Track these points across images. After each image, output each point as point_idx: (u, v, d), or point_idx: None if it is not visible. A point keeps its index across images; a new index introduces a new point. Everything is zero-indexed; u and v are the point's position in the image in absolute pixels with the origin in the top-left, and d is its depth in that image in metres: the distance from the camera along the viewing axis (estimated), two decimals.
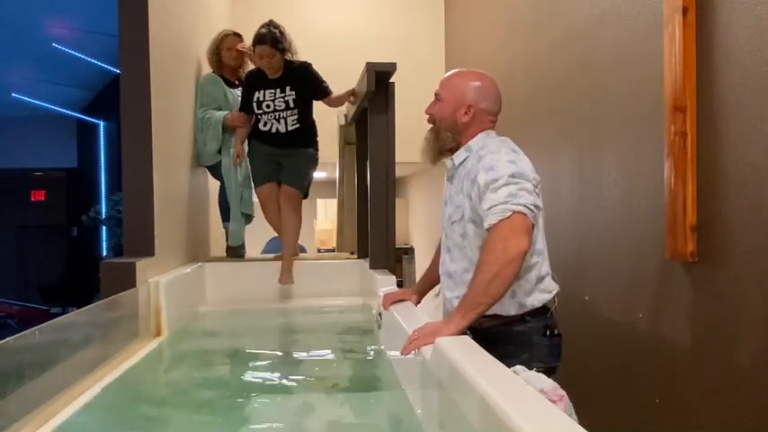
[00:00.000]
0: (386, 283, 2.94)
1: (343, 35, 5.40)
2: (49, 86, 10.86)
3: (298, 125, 3.42)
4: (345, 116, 4.50)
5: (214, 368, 2.47)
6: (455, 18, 5.29)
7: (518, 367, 1.52)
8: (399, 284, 2.96)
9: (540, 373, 1.51)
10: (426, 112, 1.99)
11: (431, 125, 1.98)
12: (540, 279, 1.84)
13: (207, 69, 3.79)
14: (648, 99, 2.21)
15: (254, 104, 3.40)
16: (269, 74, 3.37)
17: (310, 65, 3.46)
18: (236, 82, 3.74)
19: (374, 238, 3.31)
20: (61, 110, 12.03)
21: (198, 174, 3.69)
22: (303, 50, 5.43)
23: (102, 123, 12.22)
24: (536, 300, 1.83)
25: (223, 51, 3.67)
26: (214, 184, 3.84)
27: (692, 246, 1.92)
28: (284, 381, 2.20)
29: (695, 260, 1.93)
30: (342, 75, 4.52)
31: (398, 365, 2.03)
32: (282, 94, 3.37)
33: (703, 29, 1.90)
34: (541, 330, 1.83)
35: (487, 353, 1.43)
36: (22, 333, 1.59)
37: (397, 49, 5.08)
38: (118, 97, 2.70)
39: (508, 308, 1.81)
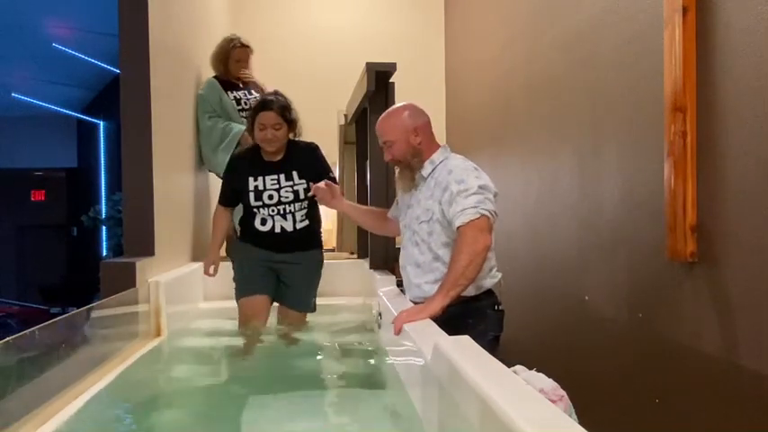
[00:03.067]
0: (386, 283, 2.95)
1: (344, 35, 5.41)
2: (49, 86, 10.85)
3: (306, 222, 2.74)
4: (345, 116, 4.51)
5: (214, 367, 2.47)
6: (455, 18, 5.29)
7: (518, 367, 1.52)
8: (399, 284, 2.96)
9: (541, 374, 1.51)
10: (387, 160, 2.33)
11: (396, 165, 2.35)
12: (491, 269, 2.25)
13: (207, 70, 3.80)
14: (648, 99, 2.21)
15: (251, 195, 2.67)
16: (267, 153, 2.67)
17: (318, 147, 2.81)
18: (240, 84, 3.75)
19: (374, 238, 3.32)
20: (61, 110, 12.02)
21: (198, 174, 3.69)
22: (304, 51, 5.47)
23: (102, 123, 12.21)
24: (488, 283, 2.23)
25: (231, 62, 3.66)
26: (215, 185, 3.84)
27: (691, 246, 1.92)
28: (284, 380, 2.20)
29: (695, 260, 1.93)
30: (342, 75, 4.53)
31: (399, 365, 2.04)
32: (290, 182, 2.66)
33: (703, 29, 1.90)
34: (491, 306, 2.22)
35: (487, 353, 1.44)
36: (22, 333, 1.59)
37: (397, 49, 5.09)
38: (118, 97, 2.71)
39: (469, 289, 2.14)
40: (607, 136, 2.58)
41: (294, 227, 2.69)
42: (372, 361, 2.36)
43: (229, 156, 3.37)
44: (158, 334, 2.62)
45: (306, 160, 2.71)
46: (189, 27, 3.61)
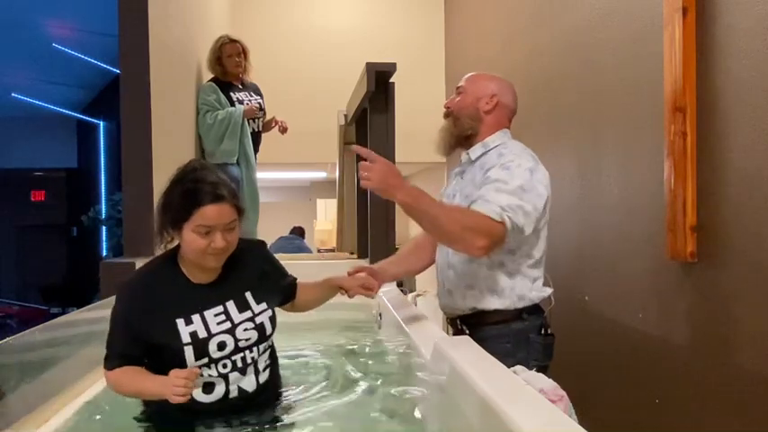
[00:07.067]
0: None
1: (343, 35, 5.42)
2: (49, 86, 10.86)
3: (270, 370, 1.66)
4: (345, 116, 4.51)
5: None
6: (455, 18, 5.29)
7: (518, 367, 1.52)
8: (399, 284, 2.96)
9: (540, 374, 1.51)
10: (446, 106, 2.03)
11: (446, 117, 2.02)
12: (535, 279, 1.92)
13: (207, 70, 3.81)
14: (648, 99, 2.21)
15: (187, 352, 1.46)
16: (202, 271, 1.53)
17: (264, 243, 1.81)
18: (240, 86, 3.78)
19: (374, 237, 3.32)
20: (61, 110, 12.04)
21: None
22: (304, 51, 5.47)
23: (102, 123, 12.23)
24: (533, 296, 1.89)
25: (224, 59, 3.70)
26: None
27: (691, 246, 1.92)
28: (282, 379, 2.20)
29: (695, 260, 1.93)
30: (342, 75, 4.54)
31: (399, 365, 2.04)
32: (247, 312, 1.56)
33: (703, 29, 1.90)
34: (537, 329, 1.89)
35: (487, 353, 1.43)
36: (22, 333, 1.59)
37: (397, 49, 5.09)
38: (118, 97, 2.71)
39: (507, 302, 1.87)
40: (607, 136, 2.58)
41: (257, 383, 1.59)
42: (372, 361, 2.35)
43: (235, 143, 3.48)
44: None
45: (254, 267, 1.62)
46: (189, 27, 3.61)
